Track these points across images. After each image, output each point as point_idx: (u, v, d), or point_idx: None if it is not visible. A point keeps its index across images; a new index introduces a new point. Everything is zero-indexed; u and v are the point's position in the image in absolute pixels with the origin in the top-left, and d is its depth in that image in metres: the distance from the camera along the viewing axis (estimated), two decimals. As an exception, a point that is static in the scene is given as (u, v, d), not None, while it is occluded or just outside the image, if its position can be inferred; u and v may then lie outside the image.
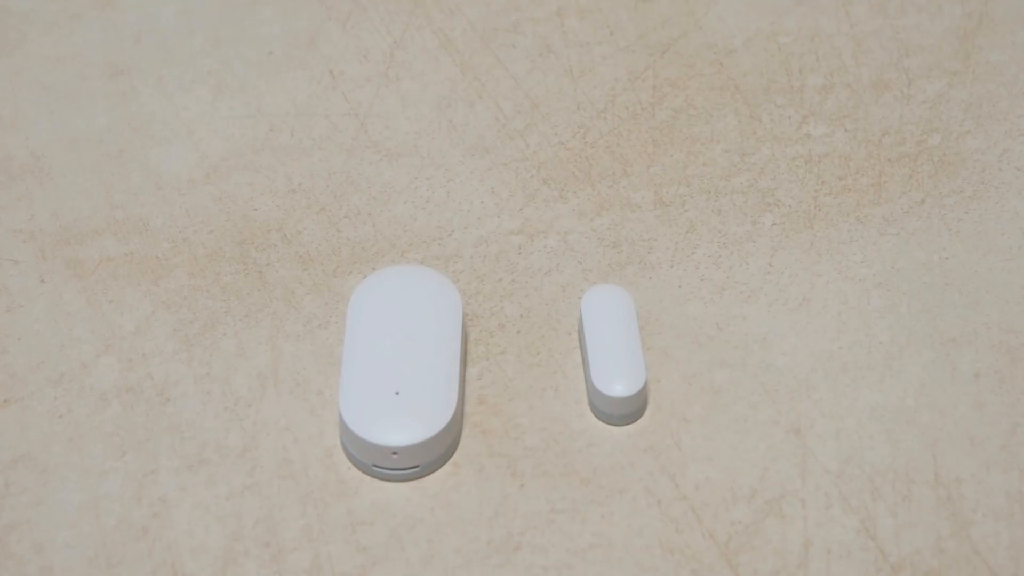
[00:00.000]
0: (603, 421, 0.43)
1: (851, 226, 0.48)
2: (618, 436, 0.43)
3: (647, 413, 0.43)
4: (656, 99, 0.51)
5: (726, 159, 0.49)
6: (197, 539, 0.41)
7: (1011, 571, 0.40)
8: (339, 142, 0.50)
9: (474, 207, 0.49)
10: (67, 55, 0.53)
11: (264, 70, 0.53)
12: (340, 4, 0.54)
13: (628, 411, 0.43)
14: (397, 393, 0.42)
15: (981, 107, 0.51)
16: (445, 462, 0.42)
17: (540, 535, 0.41)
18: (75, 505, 0.42)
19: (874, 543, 0.41)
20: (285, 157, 0.50)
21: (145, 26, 0.54)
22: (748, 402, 0.44)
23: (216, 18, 0.54)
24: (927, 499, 0.41)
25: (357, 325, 0.43)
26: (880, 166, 0.49)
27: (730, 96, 0.51)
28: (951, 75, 0.51)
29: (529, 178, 0.49)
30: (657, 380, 0.44)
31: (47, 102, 0.52)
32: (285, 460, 0.43)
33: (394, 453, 0.41)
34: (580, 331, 0.44)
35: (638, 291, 0.46)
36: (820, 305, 0.46)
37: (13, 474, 0.42)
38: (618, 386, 0.42)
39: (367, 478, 0.42)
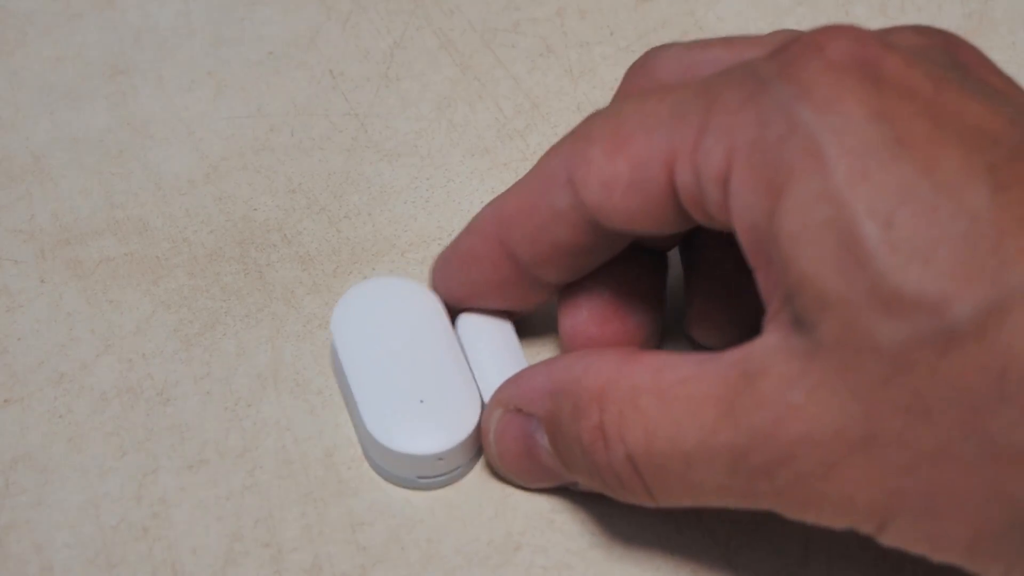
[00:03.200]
0: None
1: (851, 226, 0.47)
2: (618, 436, 0.43)
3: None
4: (656, 99, 0.51)
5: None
6: (197, 539, 0.41)
7: (1011, 571, 0.40)
8: (339, 142, 0.50)
9: (474, 207, 0.48)
10: (67, 55, 0.53)
11: (264, 70, 0.53)
12: (340, 4, 0.54)
13: None
14: (422, 401, 0.41)
15: (981, 107, 0.50)
16: (479, 457, 0.42)
17: (540, 535, 0.41)
18: (75, 505, 0.42)
19: (874, 543, 0.41)
20: (285, 157, 0.50)
21: (145, 26, 0.54)
22: (748, 402, 0.44)
23: (216, 18, 0.54)
24: (927, 499, 0.41)
25: (350, 349, 0.43)
26: (880, 166, 0.49)
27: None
28: (951, 75, 0.51)
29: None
30: (657, 380, 0.44)
31: (47, 102, 0.52)
32: (285, 460, 0.43)
33: (440, 459, 0.41)
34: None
35: (638, 291, 0.46)
36: (820, 305, 0.46)
37: (13, 474, 0.42)
38: None
39: (367, 478, 0.42)
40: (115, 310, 0.46)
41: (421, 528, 0.41)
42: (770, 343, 0.35)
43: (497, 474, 0.42)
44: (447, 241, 0.48)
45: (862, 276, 0.33)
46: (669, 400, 0.36)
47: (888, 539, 0.35)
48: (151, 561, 0.41)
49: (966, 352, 0.32)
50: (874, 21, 0.53)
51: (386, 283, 0.44)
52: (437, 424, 0.41)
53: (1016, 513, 0.33)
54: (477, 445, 0.42)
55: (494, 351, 0.43)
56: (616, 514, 0.41)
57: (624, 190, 0.37)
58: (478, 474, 0.42)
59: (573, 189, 0.38)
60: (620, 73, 0.52)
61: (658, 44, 0.52)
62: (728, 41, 0.40)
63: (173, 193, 0.49)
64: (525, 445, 0.40)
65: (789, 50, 0.35)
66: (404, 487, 0.42)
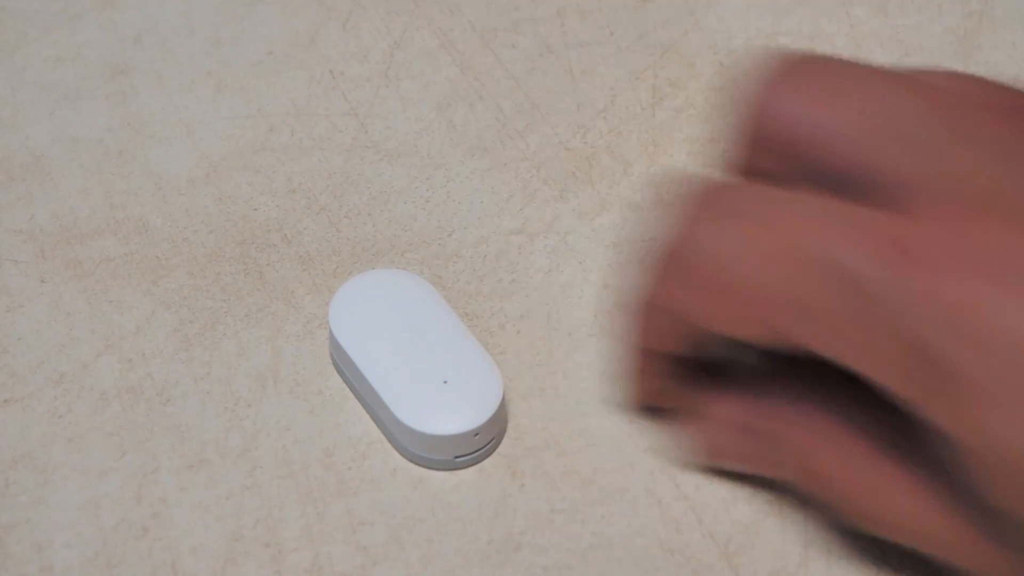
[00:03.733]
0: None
1: (851, 226, 0.47)
2: (618, 436, 0.43)
3: (647, 413, 0.43)
4: (656, 99, 0.51)
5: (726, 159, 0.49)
6: (197, 539, 0.41)
7: (1011, 571, 0.40)
8: (339, 142, 0.50)
9: (474, 207, 0.48)
10: (67, 55, 0.53)
11: (264, 70, 0.53)
12: (340, 4, 0.54)
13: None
14: (445, 382, 0.42)
15: (981, 107, 0.50)
16: (505, 428, 0.43)
17: (540, 535, 0.41)
18: (75, 505, 0.42)
19: (874, 543, 0.41)
20: (285, 157, 0.50)
21: (145, 26, 0.54)
22: (748, 402, 0.44)
23: (216, 18, 0.54)
24: (927, 499, 0.41)
25: (356, 343, 0.43)
26: (880, 166, 0.49)
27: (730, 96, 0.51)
28: (951, 75, 0.51)
29: (529, 178, 0.49)
30: (657, 380, 0.44)
31: (47, 102, 0.52)
32: (285, 460, 0.43)
33: (476, 434, 0.41)
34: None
35: (638, 291, 0.46)
36: (820, 305, 0.46)
37: (13, 474, 0.42)
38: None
39: (367, 478, 0.42)
40: (115, 310, 0.46)
41: (421, 528, 0.41)
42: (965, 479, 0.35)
43: (507, 471, 0.42)
44: (447, 241, 0.48)
45: None
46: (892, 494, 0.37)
47: None
48: (151, 561, 0.41)
49: None
50: (874, 21, 0.53)
51: (376, 275, 0.45)
52: (467, 401, 0.42)
53: None
54: (504, 415, 0.43)
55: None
56: (616, 514, 0.41)
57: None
58: (478, 474, 0.42)
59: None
60: (620, 73, 0.52)
61: (658, 44, 0.53)
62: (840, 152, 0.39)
63: (173, 193, 0.49)
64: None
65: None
66: (438, 469, 0.42)
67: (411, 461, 0.42)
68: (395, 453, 0.43)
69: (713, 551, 0.41)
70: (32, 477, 0.42)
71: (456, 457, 0.42)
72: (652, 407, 0.43)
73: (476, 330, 0.45)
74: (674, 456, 0.42)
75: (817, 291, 0.35)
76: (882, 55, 0.52)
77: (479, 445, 0.42)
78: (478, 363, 0.42)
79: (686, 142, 0.50)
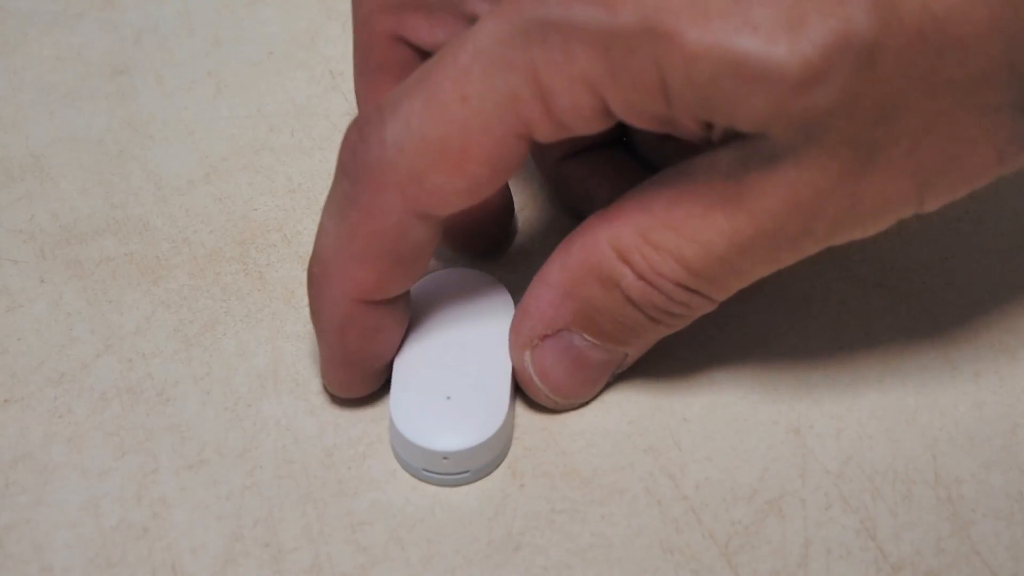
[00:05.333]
0: None
1: (851, 226, 0.47)
2: (618, 436, 0.43)
3: (647, 413, 0.43)
4: (656, 99, 0.51)
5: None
6: (197, 539, 0.41)
7: (1011, 571, 0.40)
8: (339, 142, 0.50)
9: (474, 207, 0.48)
10: (67, 55, 0.53)
11: (264, 70, 0.53)
12: (340, 4, 0.54)
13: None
14: (448, 398, 0.41)
15: (981, 107, 0.50)
16: (494, 467, 0.42)
17: (540, 535, 0.41)
18: (75, 505, 0.42)
19: (874, 543, 0.41)
20: (285, 157, 0.50)
21: (145, 26, 0.54)
22: (748, 402, 0.44)
23: (216, 18, 0.54)
24: (927, 499, 0.41)
25: (411, 331, 0.43)
26: (880, 166, 0.49)
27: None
28: (951, 75, 0.51)
29: (528, 178, 0.49)
30: (657, 380, 0.44)
31: (47, 102, 0.52)
32: (285, 460, 0.43)
33: (445, 458, 0.41)
34: None
35: (638, 291, 0.46)
36: (820, 305, 0.46)
37: (13, 474, 0.42)
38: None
39: (367, 478, 0.42)
40: (115, 310, 0.46)
41: (421, 528, 0.41)
42: (732, 150, 0.36)
43: (507, 471, 0.42)
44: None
45: (768, 81, 0.34)
46: (677, 225, 0.38)
47: (933, 205, 0.37)
48: (151, 561, 0.41)
49: (886, 51, 0.34)
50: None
51: (459, 273, 0.44)
52: (454, 423, 0.41)
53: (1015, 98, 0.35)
54: (492, 455, 0.42)
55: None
56: (616, 514, 0.41)
57: (486, 185, 0.38)
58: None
59: (428, 220, 0.39)
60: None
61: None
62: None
63: (173, 193, 0.49)
64: (571, 358, 0.41)
65: None
66: (412, 475, 0.42)
67: (395, 459, 0.42)
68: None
69: (713, 551, 0.41)
70: (32, 477, 0.42)
71: (424, 469, 0.41)
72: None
73: (476, 330, 0.45)
74: (674, 456, 0.43)
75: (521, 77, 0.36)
76: None
77: (450, 469, 0.41)
78: (491, 396, 0.42)
79: (686, 142, 0.50)
